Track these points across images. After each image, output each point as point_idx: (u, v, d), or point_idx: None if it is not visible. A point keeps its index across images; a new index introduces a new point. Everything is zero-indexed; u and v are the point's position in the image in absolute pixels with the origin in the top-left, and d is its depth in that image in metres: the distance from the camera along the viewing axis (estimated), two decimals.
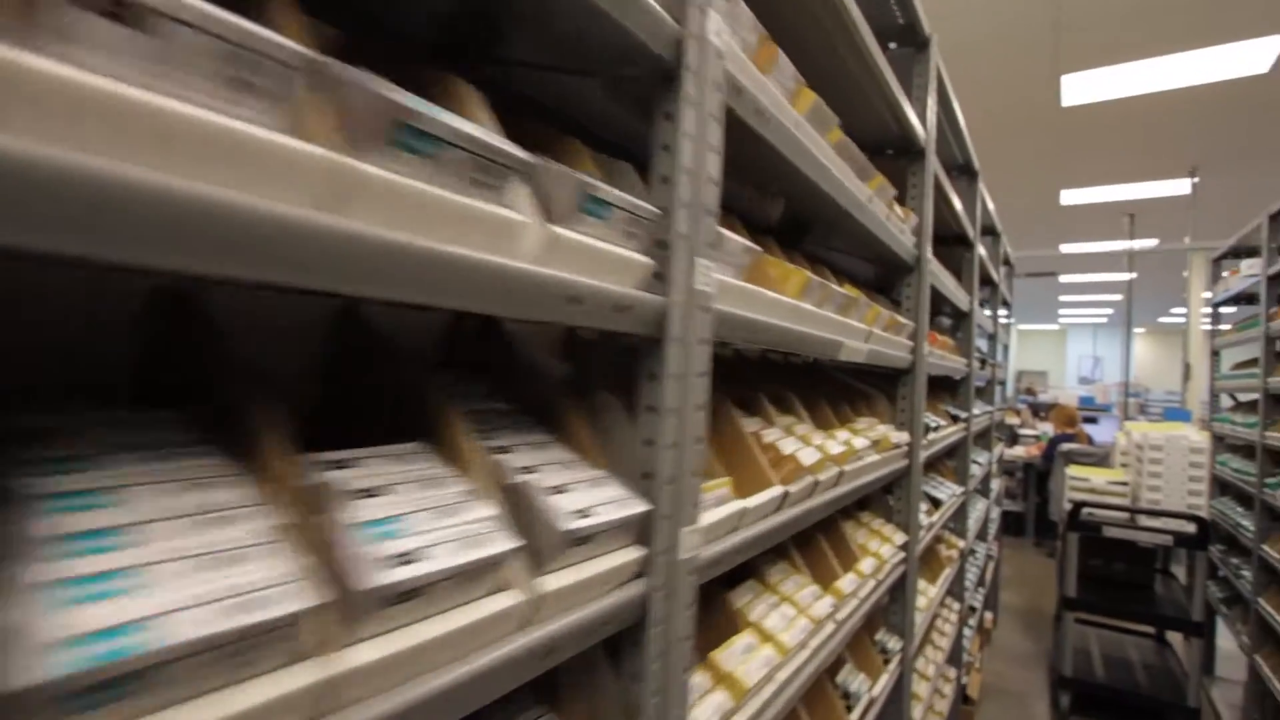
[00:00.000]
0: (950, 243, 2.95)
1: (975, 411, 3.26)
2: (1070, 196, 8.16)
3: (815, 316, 1.10)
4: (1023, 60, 5.04)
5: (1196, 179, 7.38)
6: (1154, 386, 16.12)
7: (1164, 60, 4.96)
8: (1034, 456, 7.38)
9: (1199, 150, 6.73)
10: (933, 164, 1.92)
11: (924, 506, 2.11)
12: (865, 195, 1.37)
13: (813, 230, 1.94)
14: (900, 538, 1.76)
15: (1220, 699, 4.03)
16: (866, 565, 1.43)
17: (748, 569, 1.20)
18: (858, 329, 1.35)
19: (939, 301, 3.10)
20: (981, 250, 3.20)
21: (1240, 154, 6.76)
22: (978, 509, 3.61)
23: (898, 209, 1.64)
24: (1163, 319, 16.71)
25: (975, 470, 3.27)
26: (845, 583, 1.31)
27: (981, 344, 4.26)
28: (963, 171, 2.98)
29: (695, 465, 0.75)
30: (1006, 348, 5.20)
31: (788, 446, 1.06)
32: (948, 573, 2.54)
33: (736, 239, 0.85)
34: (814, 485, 1.15)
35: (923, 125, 1.85)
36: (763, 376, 1.58)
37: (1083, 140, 6.55)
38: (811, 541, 1.44)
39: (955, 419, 2.69)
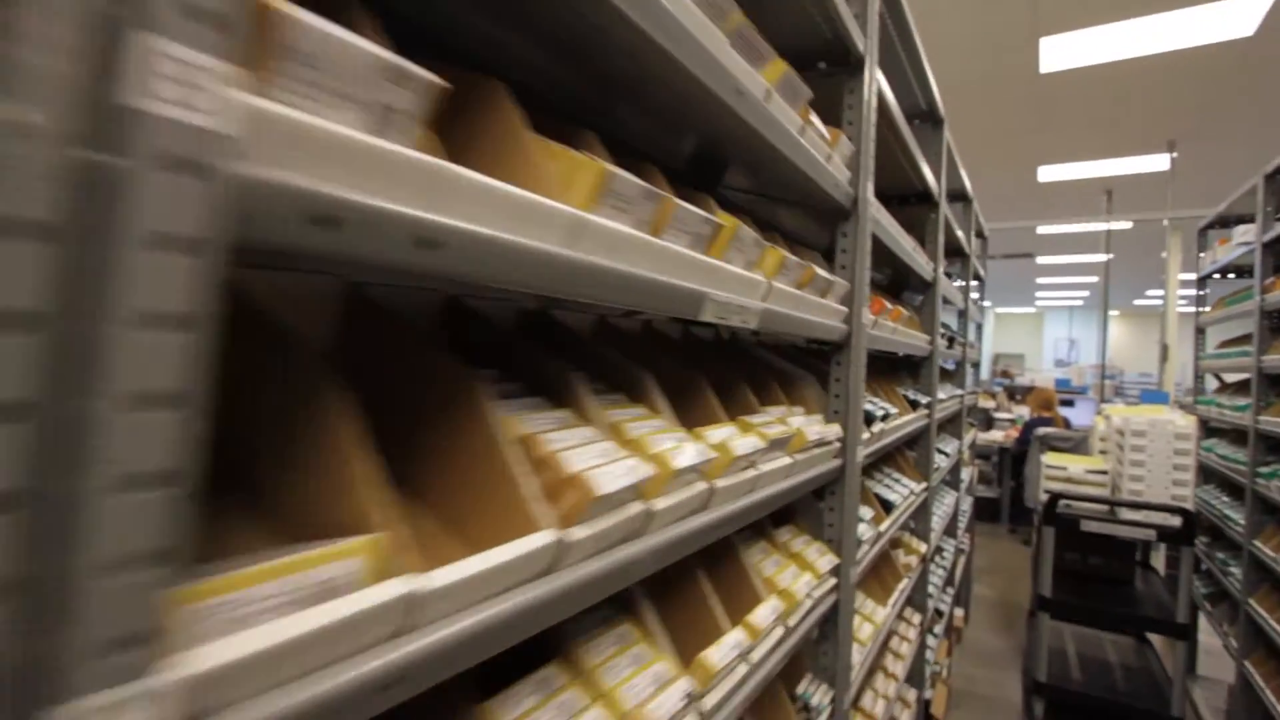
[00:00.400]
0: (912, 202, 2.52)
1: (941, 396, 2.85)
2: (1048, 173, 7.82)
3: (629, 243, 0.65)
4: (1000, 21, 4.64)
5: (1175, 154, 7.08)
6: (1128, 368, 15.96)
7: (1145, 21, 4.59)
8: (1010, 440, 7.05)
9: (1179, 123, 6.41)
10: (876, 79, 1.47)
11: (868, 514, 1.69)
12: (758, 86, 0.92)
13: (729, 169, 1.49)
14: (829, 561, 1.33)
15: (1203, 701, 3.69)
16: (762, 614, 1.00)
17: (553, 645, 0.76)
18: (741, 279, 0.90)
19: (904, 273, 2.67)
20: (949, 213, 2.77)
21: (1220, 127, 6.44)
22: (945, 503, 3.22)
23: (820, 125, 1.19)
24: (1138, 301, 16.50)
25: (941, 461, 2.87)
26: (721, 650, 0.88)
27: (951, 321, 3.85)
28: (926, 118, 2.54)
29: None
30: (980, 327, 4.81)
31: (580, 460, 0.62)
32: (904, 584, 2.13)
33: (363, 45, 0.40)
34: (643, 519, 0.71)
35: (862, 29, 1.41)
36: (638, 352, 1.14)
37: (1061, 111, 6.21)
38: (685, 585, 1.01)
39: (915, 405, 2.27)
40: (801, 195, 1.40)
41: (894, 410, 1.81)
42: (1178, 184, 7.49)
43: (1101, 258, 9.84)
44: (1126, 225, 9.40)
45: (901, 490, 2.05)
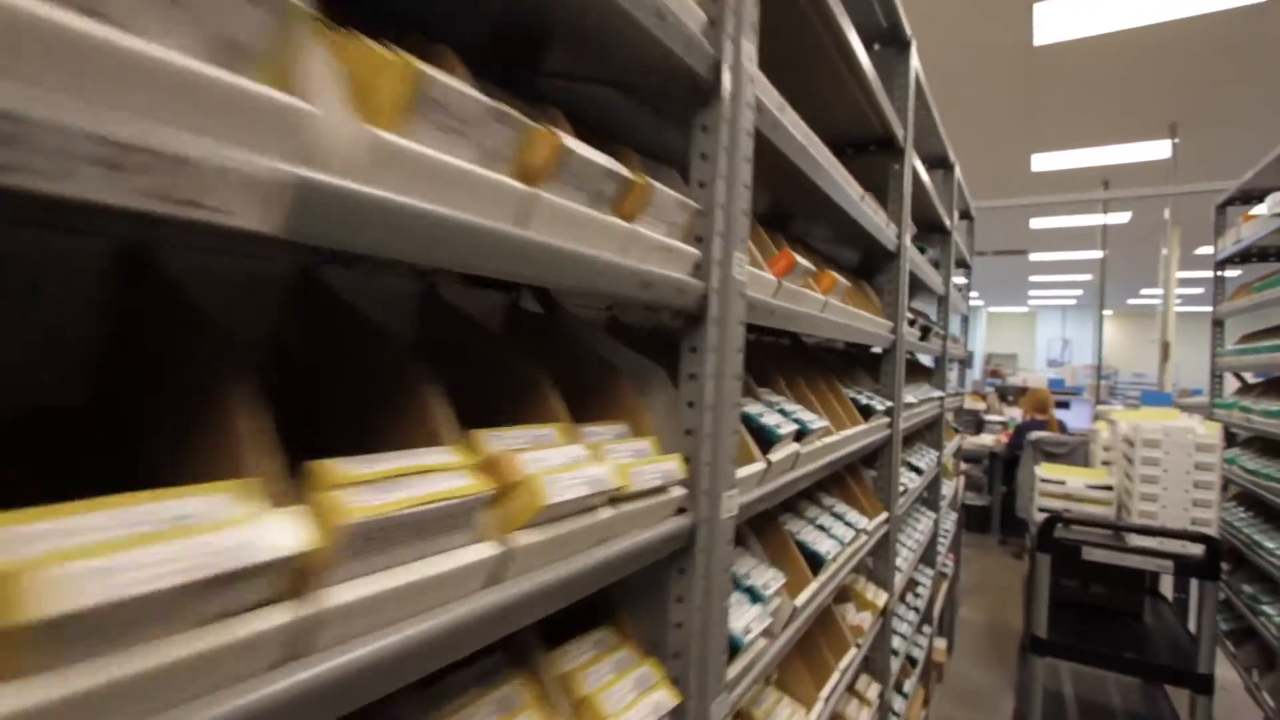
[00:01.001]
0: (870, 150, 1.90)
1: (910, 399, 2.23)
2: (1042, 161, 7.22)
3: None
4: None
5: (1177, 139, 6.48)
6: (1123, 368, 15.31)
7: None
8: (1001, 445, 6.42)
9: (1181, 104, 5.80)
10: None
11: (776, 582, 1.07)
12: None
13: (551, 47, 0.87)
14: (654, 704, 0.72)
15: None
16: None
17: None
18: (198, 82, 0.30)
19: (875, 252, 2.06)
20: (920, 169, 2.15)
21: (1225, 109, 5.82)
22: (919, 530, 2.60)
23: None
24: (1132, 300, 15.86)
25: (911, 481, 2.25)
26: None
27: (929, 310, 3.24)
28: (888, 41, 1.92)
29: None
30: (966, 320, 4.18)
31: None
32: (852, 656, 1.51)
33: None
34: None
35: None
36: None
37: (1057, 91, 5.63)
38: None
39: (867, 412, 1.65)
40: (620, 59, 0.78)
41: (820, 424, 1.19)
42: (1180, 174, 6.89)
43: (1097, 254, 9.22)
44: (1124, 219, 8.79)
45: (842, 532, 1.44)
